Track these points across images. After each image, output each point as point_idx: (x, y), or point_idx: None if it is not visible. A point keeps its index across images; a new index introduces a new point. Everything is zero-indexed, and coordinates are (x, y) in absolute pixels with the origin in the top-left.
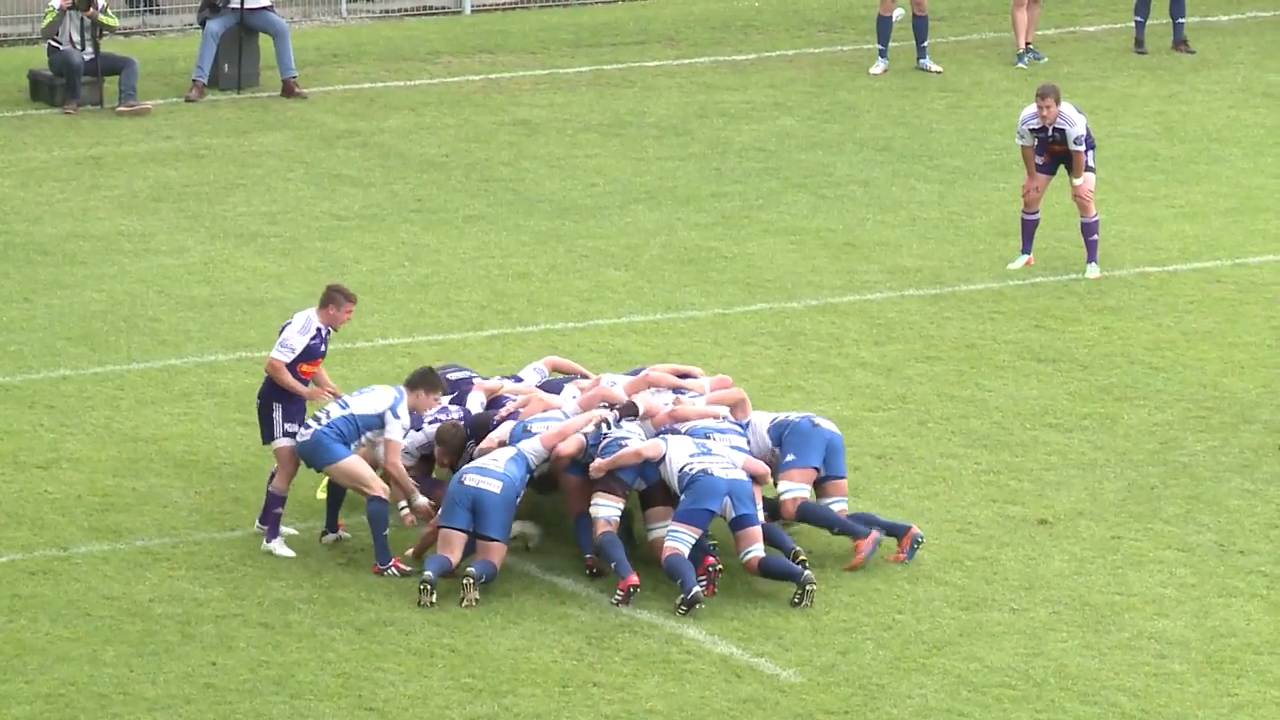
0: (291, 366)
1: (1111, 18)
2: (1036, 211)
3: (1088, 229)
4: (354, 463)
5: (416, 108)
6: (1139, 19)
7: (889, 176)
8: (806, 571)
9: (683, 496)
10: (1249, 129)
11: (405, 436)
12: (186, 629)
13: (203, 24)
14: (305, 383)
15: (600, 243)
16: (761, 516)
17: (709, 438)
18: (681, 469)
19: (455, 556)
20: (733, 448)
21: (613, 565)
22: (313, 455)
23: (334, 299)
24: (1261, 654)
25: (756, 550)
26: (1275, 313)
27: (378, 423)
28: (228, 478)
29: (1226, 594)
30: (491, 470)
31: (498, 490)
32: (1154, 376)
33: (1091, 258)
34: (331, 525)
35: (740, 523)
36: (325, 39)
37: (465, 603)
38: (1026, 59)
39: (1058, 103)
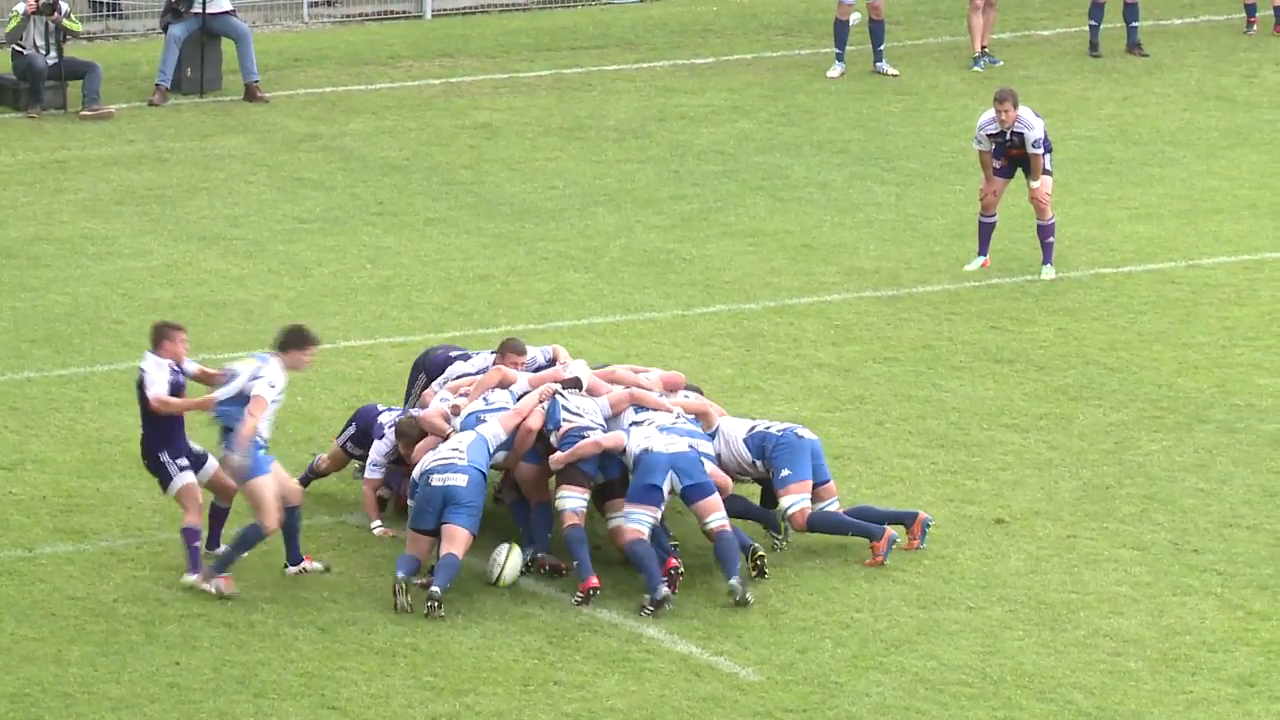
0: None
1: (1066, 22)
2: (994, 215)
3: (1044, 231)
4: (260, 486)
5: (378, 111)
6: (1093, 23)
7: (846, 179)
8: (733, 581)
9: (631, 478)
10: (1202, 132)
11: (273, 396)
12: (150, 629)
13: (165, 29)
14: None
15: (560, 245)
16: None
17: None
18: (633, 452)
19: (423, 556)
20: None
21: (575, 564)
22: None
23: (161, 333)
24: (1216, 651)
25: (717, 519)
26: (1228, 313)
27: (244, 401)
28: None
29: (1181, 592)
30: (456, 464)
31: (464, 483)
32: (1109, 377)
33: (1047, 260)
34: (293, 558)
35: (691, 494)
36: (287, 43)
37: (431, 617)
38: (982, 63)
39: (1016, 106)
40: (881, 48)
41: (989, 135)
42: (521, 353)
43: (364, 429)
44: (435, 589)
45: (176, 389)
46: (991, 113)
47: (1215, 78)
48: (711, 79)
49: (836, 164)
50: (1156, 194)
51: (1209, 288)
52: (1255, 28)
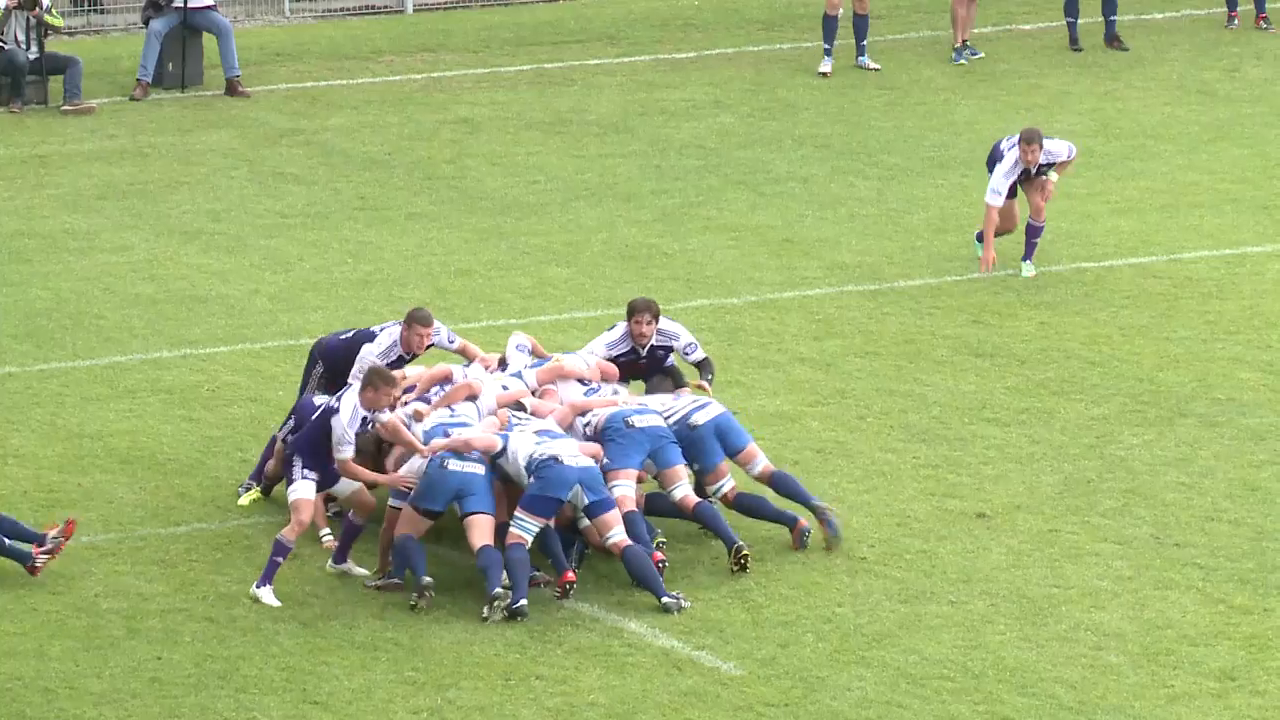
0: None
1: (1047, 16)
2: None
3: (1033, 231)
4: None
5: (359, 106)
6: (1070, 19)
7: (828, 173)
8: (667, 599)
9: (530, 481)
10: (1184, 125)
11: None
12: (132, 624)
13: (146, 23)
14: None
15: (542, 240)
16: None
17: (628, 421)
18: (530, 456)
19: (418, 534)
20: (650, 427)
21: (549, 560)
22: None
23: (370, 383)
24: (1197, 645)
25: (617, 535)
26: (1210, 307)
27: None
28: (172, 474)
29: (1163, 586)
30: (469, 455)
31: (482, 472)
32: (1090, 371)
33: (1027, 256)
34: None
35: (593, 510)
36: (268, 38)
37: (516, 618)
38: (964, 55)
39: (1042, 146)
40: (864, 42)
41: (1011, 181)
42: (427, 324)
43: (302, 422)
44: (499, 589)
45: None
46: (1014, 155)
47: (1197, 72)
48: (693, 73)
49: (818, 158)
50: (1138, 188)
51: (1190, 282)
52: (1237, 22)
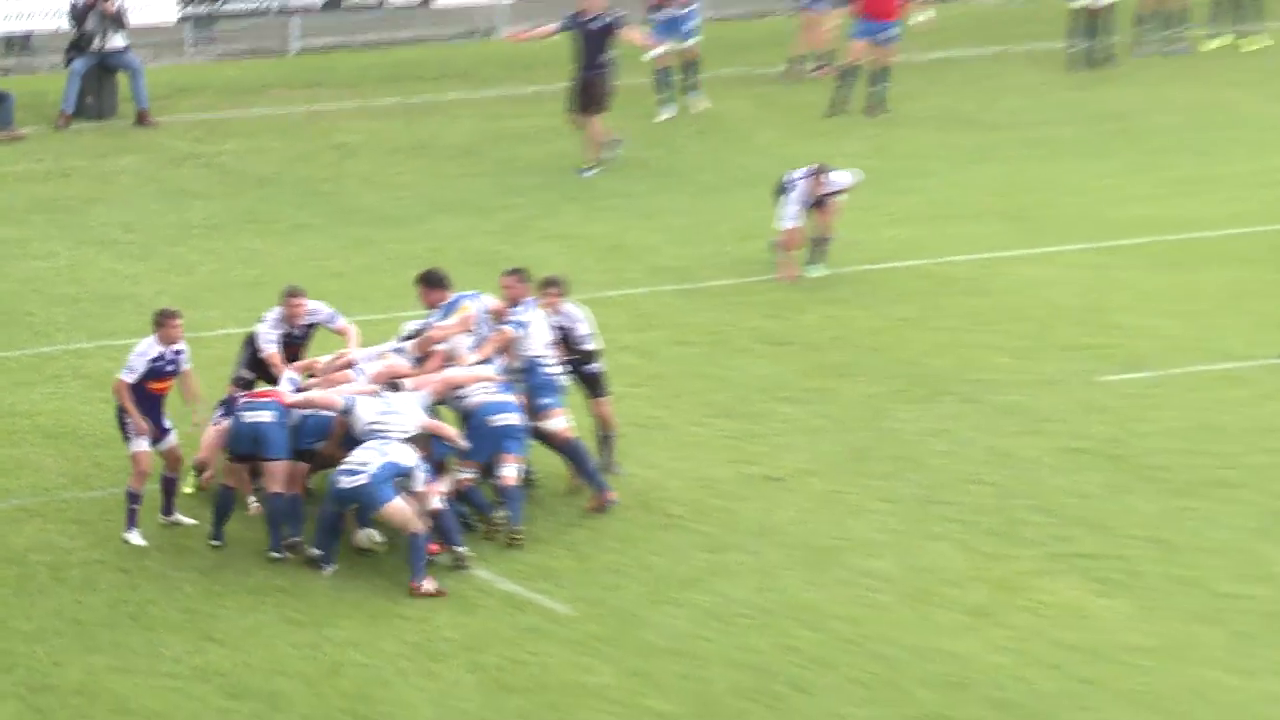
0: (139, 386)
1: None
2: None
3: (822, 242)
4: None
5: (251, 133)
6: (840, 84)
7: (649, 190)
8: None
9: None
10: (950, 149)
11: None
12: (56, 573)
13: (69, 63)
14: (156, 397)
15: (406, 247)
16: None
17: (488, 421)
18: (366, 425)
19: (238, 483)
20: (504, 426)
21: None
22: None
23: (158, 321)
24: (955, 587)
25: (434, 503)
26: (969, 302)
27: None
28: (91, 446)
29: (928, 538)
30: (261, 403)
31: (272, 418)
32: (869, 356)
33: (817, 261)
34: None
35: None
36: (173, 75)
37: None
38: (591, 170)
39: (829, 178)
40: (696, 80)
41: (801, 208)
42: (293, 295)
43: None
44: (296, 540)
45: (159, 374)
46: (804, 186)
47: (959, 103)
48: (535, 106)
49: (640, 177)
50: (911, 202)
51: (953, 281)
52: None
